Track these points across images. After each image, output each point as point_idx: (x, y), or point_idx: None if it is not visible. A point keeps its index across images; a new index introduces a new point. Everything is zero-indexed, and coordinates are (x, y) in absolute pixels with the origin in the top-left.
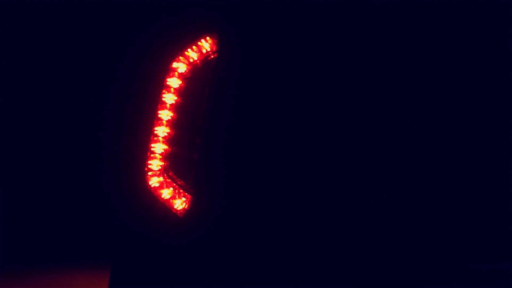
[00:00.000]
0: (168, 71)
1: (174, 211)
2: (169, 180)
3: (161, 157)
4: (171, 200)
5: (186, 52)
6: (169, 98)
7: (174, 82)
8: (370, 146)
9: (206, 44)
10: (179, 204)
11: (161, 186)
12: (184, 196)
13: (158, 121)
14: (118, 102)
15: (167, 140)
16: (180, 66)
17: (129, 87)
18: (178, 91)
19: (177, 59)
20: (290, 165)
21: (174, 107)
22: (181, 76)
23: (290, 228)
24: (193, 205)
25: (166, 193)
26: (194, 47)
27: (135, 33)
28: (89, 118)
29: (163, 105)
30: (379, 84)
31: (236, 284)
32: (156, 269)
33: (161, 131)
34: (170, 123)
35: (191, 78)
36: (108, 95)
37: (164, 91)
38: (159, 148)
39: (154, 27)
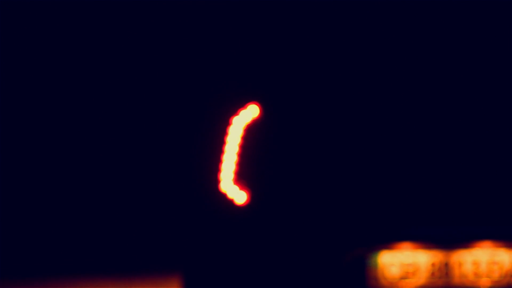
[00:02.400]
0: (230, 123)
1: (235, 203)
2: (233, 186)
3: (226, 172)
4: (233, 197)
5: (241, 111)
6: (230, 139)
7: (233, 130)
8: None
9: (254, 108)
10: (239, 199)
11: (227, 189)
12: (243, 195)
13: (225, 152)
14: (201, 137)
15: (231, 162)
16: (237, 121)
17: (208, 131)
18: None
19: (235, 116)
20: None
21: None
22: (237, 127)
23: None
24: (249, 199)
25: (230, 193)
26: (246, 109)
27: (211, 98)
28: (182, 149)
29: (227, 143)
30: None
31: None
32: (224, 238)
33: (226, 158)
34: (231, 154)
35: (244, 129)
36: (195, 133)
37: (227, 135)
38: (225, 167)
39: (223, 95)
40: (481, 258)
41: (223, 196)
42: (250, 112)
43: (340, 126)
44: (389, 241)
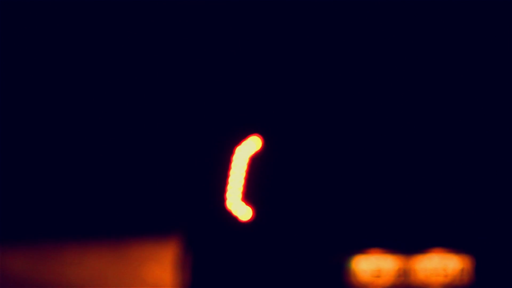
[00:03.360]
0: (234, 152)
1: (238, 219)
2: (238, 204)
3: (231, 192)
4: (237, 214)
5: (244, 141)
6: (234, 165)
7: (237, 158)
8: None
9: (256, 139)
10: (241, 215)
11: (232, 207)
12: (245, 212)
13: (230, 176)
14: (207, 162)
15: (236, 184)
16: (241, 150)
17: (215, 157)
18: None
19: (239, 145)
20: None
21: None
22: (242, 155)
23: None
24: (253, 215)
25: (234, 211)
26: (248, 140)
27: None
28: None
29: (232, 169)
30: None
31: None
32: (229, 249)
33: (231, 181)
34: (237, 177)
35: (249, 156)
36: (204, 158)
37: (232, 162)
38: (230, 188)
39: (230, 128)
40: (435, 262)
41: (228, 210)
42: (253, 142)
43: (323, 158)
44: (362, 248)
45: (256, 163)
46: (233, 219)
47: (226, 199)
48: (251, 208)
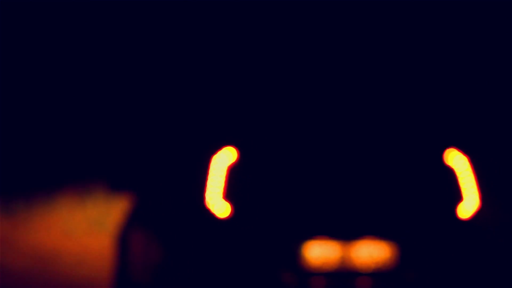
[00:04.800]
0: (211, 160)
1: (215, 215)
2: (216, 201)
3: (209, 192)
4: (215, 210)
5: (219, 152)
6: (212, 171)
7: (214, 165)
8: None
9: (232, 150)
10: (218, 212)
11: (210, 204)
12: (223, 209)
13: (208, 179)
14: (191, 168)
15: (213, 186)
16: (218, 158)
17: (196, 165)
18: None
19: (215, 155)
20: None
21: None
22: (219, 162)
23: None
24: (231, 211)
25: (212, 207)
26: (224, 150)
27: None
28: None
29: (209, 174)
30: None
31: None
32: (205, 243)
33: (209, 183)
34: (214, 180)
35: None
36: (187, 166)
37: (210, 168)
38: (208, 189)
39: (211, 141)
40: (368, 250)
41: (207, 207)
42: (229, 152)
43: (282, 165)
44: (310, 236)
45: (230, 170)
46: (212, 215)
47: (205, 199)
48: (229, 206)
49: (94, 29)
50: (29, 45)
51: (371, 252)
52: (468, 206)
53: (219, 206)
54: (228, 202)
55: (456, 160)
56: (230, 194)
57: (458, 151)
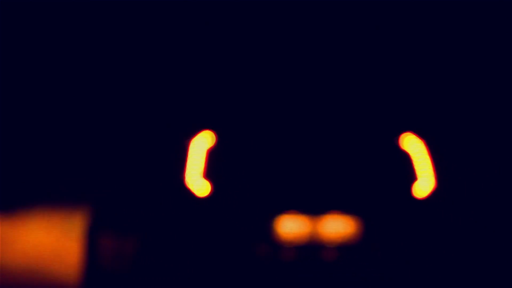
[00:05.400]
0: (190, 143)
1: (194, 193)
2: (196, 181)
3: (189, 173)
4: (194, 189)
5: (199, 135)
6: (191, 153)
7: (193, 145)
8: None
9: (210, 134)
10: (199, 191)
11: (190, 184)
12: (203, 189)
13: (187, 160)
14: (174, 150)
15: (192, 166)
16: (197, 140)
17: (179, 146)
18: (199, 150)
19: (194, 138)
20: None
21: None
22: (198, 145)
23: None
24: (213, 190)
25: (192, 187)
26: (203, 133)
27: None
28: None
29: (189, 154)
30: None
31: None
32: (184, 217)
33: (188, 164)
34: (193, 161)
35: (205, 147)
36: (171, 149)
37: (189, 149)
38: (188, 169)
39: (190, 125)
40: (335, 224)
41: (186, 187)
42: (207, 136)
43: (256, 147)
44: (282, 211)
45: (209, 152)
46: (192, 195)
47: (185, 178)
48: (208, 186)
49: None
50: None
51: (337, 226)
52: (424, 186)
53: (199, 185)
54: (208, 181)
55: (412, 143)
56: (209, 174)
57: (414, 135)
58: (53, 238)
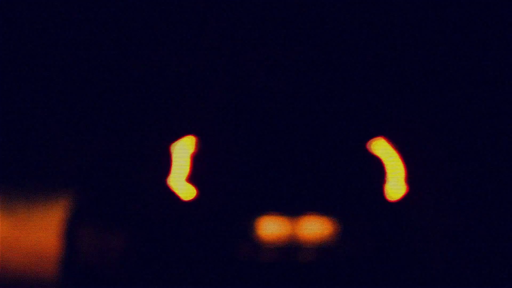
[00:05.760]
0: (173, 148)
1: (179, 197)
2: (180, 185)
3: (174, 176)
4: (178, 192)
5: (181, 140)
6: (174, 156)
7: (176, 150)
8: None
9: (192, 140)
10: (184, 195)
11: (173, 188)
12: (188, 192)
13: (172, 164)
14: (158, 154)
15: (177, 170)
16: (178, 145)
17: (163, 150)
18: (183, 155)
19: (175, 143)
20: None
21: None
22: (180, 150)
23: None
24: (197, 194)
25: (177, 191)
26: (185, 139)
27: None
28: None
29: (172, 158)
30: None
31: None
32: (168, 221)
33: (173, 168)
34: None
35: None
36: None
37: (173, 153)
38: (173, 173)
39: (174, 131)
40: (314, 225)
41: (171, 190)
42: (190, 141)
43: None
44: (263, 213)
45: (192, 156)
46: (176, 197)
47: (169, 182)
48: (193, 189)
49: None
50: None
51: (315, 228)
52: (396, 189)
53: (183, 189)
54: (192, 185)
55: (384, 147)
56: (193, 178)
57: (386, 140)
58: (32, 232)
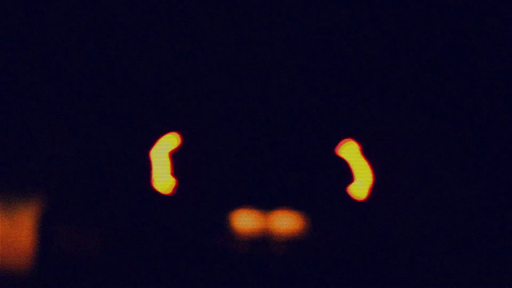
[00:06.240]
0: (155, 144)
1: (159, 192)
2: (162, 180)
3: (154, 171)
4: (158, 188)
5: (163, 137)
6: (153, 153)
7: (159, 148)
8: None
9: (175, 136)
10: (162, 189)
11: (155, 183)
12: (168, 187)
13: (152, 162)
14: (141, 152)
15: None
16: (161, 143)
17: (146, 148)
18: (163, 151)
19: (158, 140)
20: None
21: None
22: (161, 147)
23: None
24: (175, 188)
25: (157, 185)
26: (168, 136)
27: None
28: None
29: (152, 157)
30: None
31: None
32: (153, 212)
33: (153, 166)
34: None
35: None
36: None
37: (153, 150)
38: (153, 170)
39: (157, 130)
40: (286, 220)
41: (153, 187)
42: (172, 137)
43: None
44: (238, 207)
45: (173, 153)
46: (157, 193)
47: (151, 177)
48: (173, 184)
49: None
50: None
51: (286, 222)
52: (361, 188)
53: (164, 183)
54: (172, 180)
55: (351, 148)
56: (172, 173)
57: (355, 142)
58: (6, 231)
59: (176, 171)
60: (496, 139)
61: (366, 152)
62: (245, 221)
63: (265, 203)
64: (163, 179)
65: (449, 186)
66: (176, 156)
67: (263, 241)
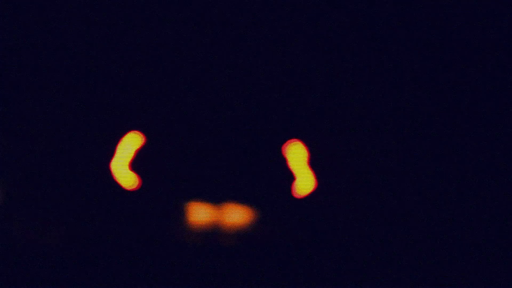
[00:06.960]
0: (120, 141)
1: (121, 185)
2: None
3: (116, 167)
4: (120, 181)
5: (127, 135)
6: (119, 149)
7: (124, 143)
8: None
9: (137, 135)
10: (125, 184)
11: (116, 177)
12: (130, 181)
13: (114, 157)
14: (108, 147)
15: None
16: (125, 140)
17: (113, 143)
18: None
19: (123, 137)
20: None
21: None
22: (126, 143)
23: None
24: (139, 183)
25: (118, 179)
26: (131, 133)
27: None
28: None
29: (116, 152)
30: None
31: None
32: (116, 208)
33: (115, 159)
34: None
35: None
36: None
37: (119, 146)
38: (114, 163)
39: (122, 126)
40: (236, 213)
41: (114, 179)
42: (135, 136)
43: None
44: (191, 199)
45: (137, 150)
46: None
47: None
48: (136, 179)
49: None
50: None
51: (236, 215)
52: (303, 186)
53: (126, 178)
54: (134, 175)
55: (295, 147)
56: (134, 169)
57: (298, 140)
58: None
59: (136, 167)
60: (435, 138)
61: (311, 154)
62: (199, 214)
63: (217, 197)
64: (125, 174)
65: (389, 186)
66: (138, 153)
67: (214, 233)
